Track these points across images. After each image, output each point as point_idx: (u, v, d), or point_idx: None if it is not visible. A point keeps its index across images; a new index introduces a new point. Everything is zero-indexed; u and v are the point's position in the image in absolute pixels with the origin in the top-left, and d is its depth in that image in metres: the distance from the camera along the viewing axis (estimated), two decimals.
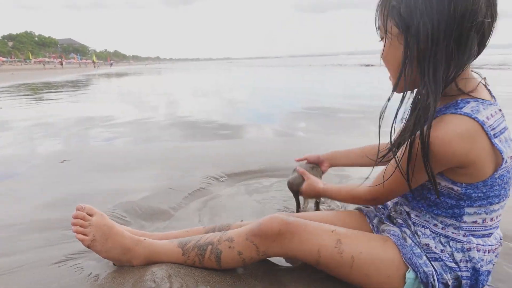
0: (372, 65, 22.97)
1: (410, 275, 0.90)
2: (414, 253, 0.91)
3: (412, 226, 0.96)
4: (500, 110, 0.84)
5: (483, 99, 0.82)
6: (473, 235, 0.89)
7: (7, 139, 3.46)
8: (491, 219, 0.88)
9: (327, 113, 4.78)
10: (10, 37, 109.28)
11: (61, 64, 53.49)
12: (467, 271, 0.88)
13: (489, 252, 0.89)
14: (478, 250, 0.88)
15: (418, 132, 0.80)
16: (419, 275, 0.89)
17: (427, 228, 0.93)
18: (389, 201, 1.09)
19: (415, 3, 0.78)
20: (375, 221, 1.10)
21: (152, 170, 2.29)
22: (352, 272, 0.93)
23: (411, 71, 0.81)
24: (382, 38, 0.88)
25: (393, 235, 0.97)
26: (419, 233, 0.93)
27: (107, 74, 24.85)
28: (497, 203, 0.87)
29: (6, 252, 1.27)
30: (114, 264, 1.12)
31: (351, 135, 3.38)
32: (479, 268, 0.87)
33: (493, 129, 0.80)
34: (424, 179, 0.86)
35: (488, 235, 0.90)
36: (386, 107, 0.86)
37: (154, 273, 1.01)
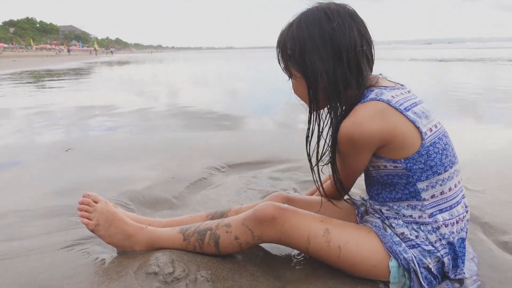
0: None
1: (393, 263, 0.97)
2: (393, 241, 0.98)
3: (386, 220, 1.03)
4: (409, 91, 0.98)
5: (385, 86, 0.96)
6: (440, 211, 0.96)
7: (12, 127, 3.51)
8: (449, 189, 0.96)
9: None
10: (11, 23, 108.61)
11: (68, 51, 53.71)
12: (444, 248, 0.96)
13: (457, 223, 0.97)
14: (446, 226, 0.96)
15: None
16: (400, 262, 0.96)
17: (399, 219, 1.00)
18: (367, 202, 1.16)
19: (305, 50, 0.94)
20: (362, 209, 1.17)
21: (154, 160, 2.34)
22: (340, 261, 1.00)
23: (320, 100, 0.99)
24: (289, 77, 1.05)
25: (375, 226, 1.03)
26: (393, 224, 1.00)
27: (109, 62, 24.78)
28: (446, 171, 0.95)
29: (16, 237, 1.33)
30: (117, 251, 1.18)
31: None
32: (452, 240, 0.96)
33: (401, 104, 0.91)
34: (363, 162, 0.98)
35: (454, 206, 0.97)
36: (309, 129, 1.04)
37: (158, 258, 1.06)
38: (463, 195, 1.01)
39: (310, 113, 1.02)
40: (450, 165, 0.96)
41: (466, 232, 1.01)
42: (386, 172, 0.98)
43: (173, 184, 1.89)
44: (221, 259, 1.11)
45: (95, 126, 3.56)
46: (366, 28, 0.96)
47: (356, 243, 0.99)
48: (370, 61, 0.98)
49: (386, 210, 1.04)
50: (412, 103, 0.94)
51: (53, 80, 9.45)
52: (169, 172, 2.06)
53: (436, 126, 0.96)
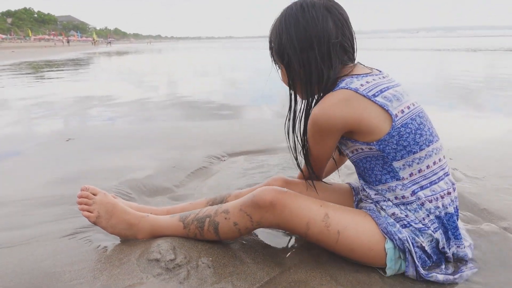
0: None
1: (388, 245, 0.98)
2: (388, 222, 0.99)
3: (377, 204, 1.04)
4: (384, 76, 1.02)
5: (357, 74, 0.99)
6: (421, 188, 0.98)
7: (12, 117, 3.51)
8: (427, 167, 0.98)
9: None
10: (8, 13, 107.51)
11: (68, 41, 53.50)
12: (434, 223, 0.98)
13: (442, 198, 0.99)
14: (430, 201, 0.98)
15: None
16: (395, 242, 0.97)
17: (388, 201, 1.02)
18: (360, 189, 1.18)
19: (281, 42, 1.02)
20: (359, 197, 1.19)
21: (154, 149, 2.35)
22: (338, 246, 1.01)
23: (298, 89, 1.07)
24: (278, 68, 1.13)
25: (369, 210, 1.05)
26: (384, 207, 1.02)
27: (107, 52, 24.62)
28: (422, 150, 0.97)
29: (18, 226, 1.34)
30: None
31: None
32: (439, 214, 0.98)
33: (370, 91, 0.95)
34: (327, 149, 1.04)
35: (435, 182, 0.99)
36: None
37: (160, 245, 1.07)
38: (446, 172, 1.02)
39: (291, 100, 1.10)
40: (427, 143, 0.98)
41: (457, 210, 1.02)
42: (364, 155, 1.02)
43: (174, 173, 1.90)
44: (222, 246, 1.12)
45: (95, 116, 3.56)
46: (344, 20, 1.00)
47: (354, 227, 1.00)
48: (348, 52, 1.02)
49: (375, 194, 1.05)
50: (384, 88, 0.97)
51: (52, 70, 9.40)
52: (170, 161, 2.07)
53: (409, 108, 0.98)
